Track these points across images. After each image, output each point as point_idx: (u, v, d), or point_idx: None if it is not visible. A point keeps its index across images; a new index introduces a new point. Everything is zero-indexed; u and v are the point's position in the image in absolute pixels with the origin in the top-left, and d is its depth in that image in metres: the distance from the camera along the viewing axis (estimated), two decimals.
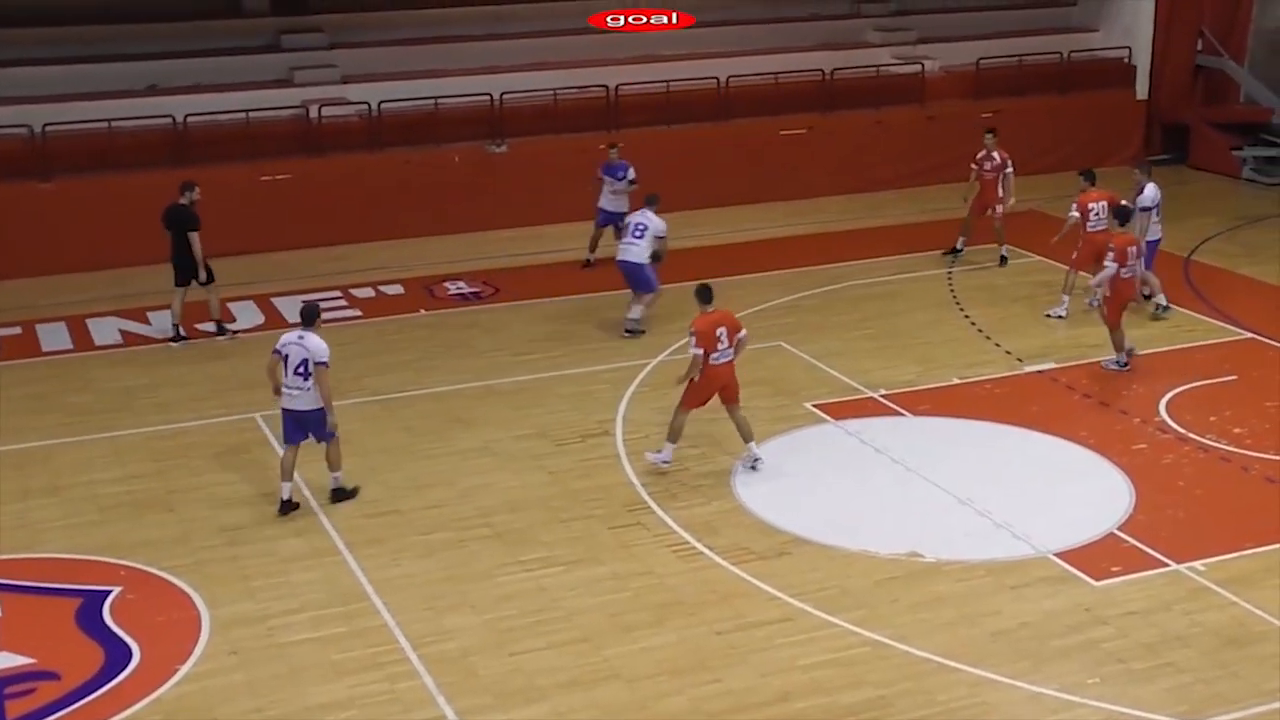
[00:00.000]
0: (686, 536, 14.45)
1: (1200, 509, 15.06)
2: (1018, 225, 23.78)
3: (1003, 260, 23.20)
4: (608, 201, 23.11)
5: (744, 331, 15.73)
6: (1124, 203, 19.86)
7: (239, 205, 23.51)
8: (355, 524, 14.74)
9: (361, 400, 17.74)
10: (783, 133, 27.43)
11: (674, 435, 15.69)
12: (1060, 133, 29.28)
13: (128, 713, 11.56)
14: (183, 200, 20.14)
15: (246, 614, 13.05)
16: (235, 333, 20.50)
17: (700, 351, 15.26)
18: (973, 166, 23.04)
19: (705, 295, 15.65)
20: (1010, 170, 22.84)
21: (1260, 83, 30.32)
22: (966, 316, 20.96)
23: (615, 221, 22.42)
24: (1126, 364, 18.47)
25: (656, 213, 20.06)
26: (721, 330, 15.36)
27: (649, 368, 19.00)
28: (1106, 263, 18.19)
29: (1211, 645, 12.44)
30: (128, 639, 12.61)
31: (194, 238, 19.93)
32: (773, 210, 26.29)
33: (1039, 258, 23.65)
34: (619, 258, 20.22)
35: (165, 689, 11.90)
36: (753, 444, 15.78)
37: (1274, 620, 12.79)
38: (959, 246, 23.50)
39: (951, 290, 22.18)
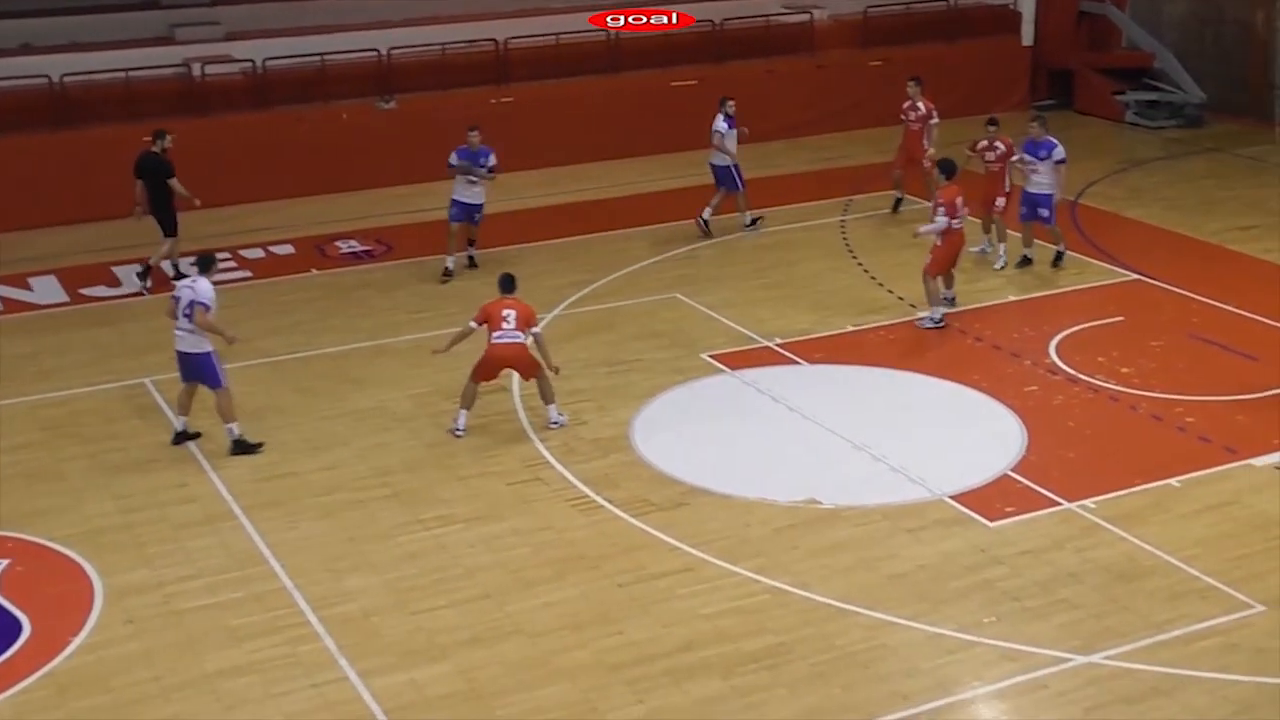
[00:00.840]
0: (586, 490, 14.48)
1: (1090, 448, 15.34)
2: (911, 172, 23.92)
3: (896, 204, 23.32)
4: (463, 193, 20.69)
5: (538, 329, 15.70)
6: (947, 157, 19.66)
7: (121, 167, 23.04)
8: (251, 488, 14.61)
9: (254, 362, 17.55)
10: (673, 84, 27.39)
11: (466, 401, 15.72)
12: (948, 80, 29.41)
13: (19, 686, 11.41)
14: (154, 148, 20.23)
15: (141, 582, 12.90)
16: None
17: (475, 325, 15.55)
18: (902, 118, 22.93)
19: (507, 285, 15.74)
20: (935, 120, 22.70)
21: (1142, 28, 30.73)
22: (860, 264, 21.12)
23: (471, 216, 20.80)
24: (942, 320, 18.48)
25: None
26: (509, 313, 15.42)
27: (543, 322, 18.93)
28: (937, 217, 18.31)
29: (1102, 581, 12.70)
30: (17, 612, 12.42)
31: (174, 183, 20.18)
32: (666, 162, 26.26)
33: (929, 203, 23.82)
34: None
35: (58, 661, 11.75)
36: (553, 406, 15.82)
37: (1162, 554, 13.07)
38: (900, 196, 23.27)
39: (845, 238, 22.32)
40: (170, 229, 20.55)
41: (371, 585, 12.82)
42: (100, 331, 19.00)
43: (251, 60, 25.19)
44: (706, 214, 22.43)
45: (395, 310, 19.62)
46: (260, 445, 15.29)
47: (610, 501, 14.25)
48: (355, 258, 21.96)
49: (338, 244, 22.41)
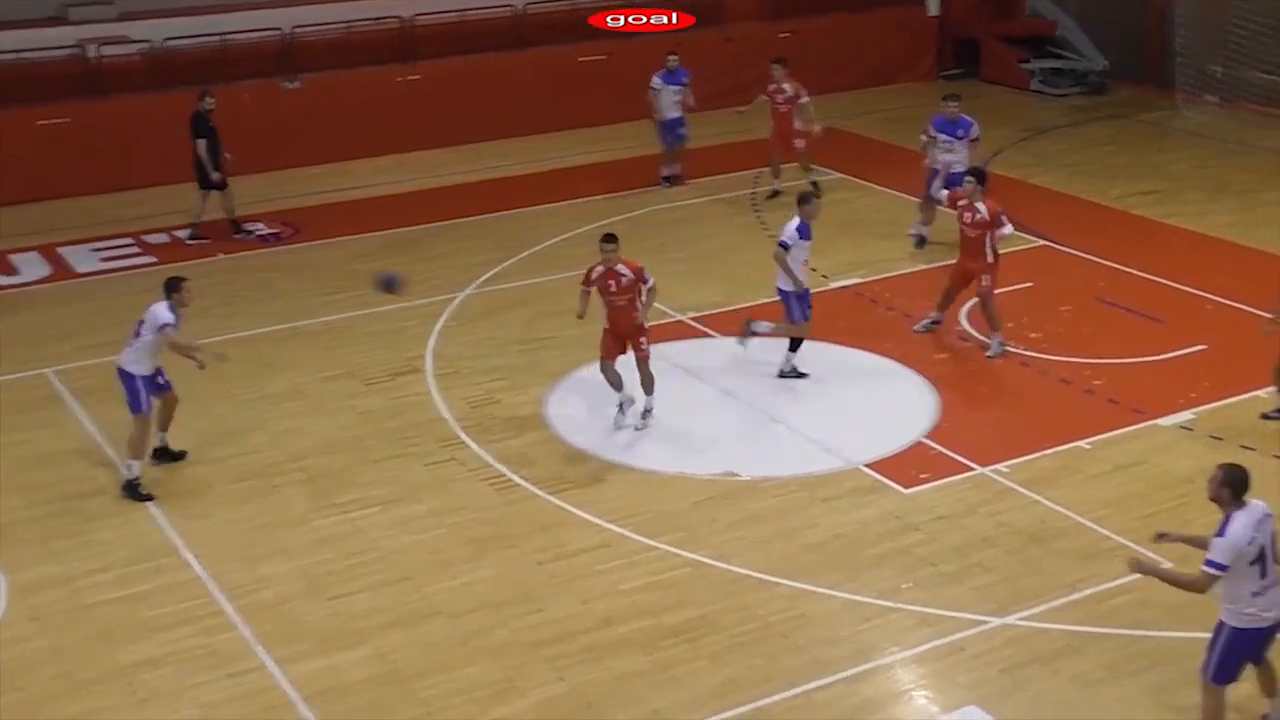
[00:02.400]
0: (502, 469, 14.48)
1: (1001, 413, 15.56)
2: (821, 143, 24.05)
3: (814, 186, 22.68)
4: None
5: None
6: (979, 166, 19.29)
7: (16, 151, 22.76)
8: (162, 476, 14.47)
9: None
10: (581, 59, 27.35)
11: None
12: (855, 50, 29.70)
13: None
14: (199, 106, 21.18)
15: (48, 577, 12.75)
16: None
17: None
18: (763, 97, 22.78)
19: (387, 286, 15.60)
20: (805, 100, 22.51)
21: None
22: (771, 236, 21.13)
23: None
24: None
25: None
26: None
27: (457, 301, 18.91)
28: (1006, 226, 16.89)
29: (1016, 544, 12.90)
30: None
31: (199, 144, 21.04)
32: (575, 138, 26.28)
33: (840, 175, 24.03)
34: None
35: None
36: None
37: (1073, 515, 13.30)
38: (777, 189, 23.02)
39: (755, 210, 22.42)
40: (215, 185, 21.50)
41: (287, 572, 12.76)
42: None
43: (149, 40, 24.85)
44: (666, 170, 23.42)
45: (306, 293, 19.50)
46: (184, 453, 14.92)
47: (527, 479, 14.26)
48: (263, 240, 21.76)
49: (245, 226, 22.15)
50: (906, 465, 14.37)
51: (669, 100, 23.02)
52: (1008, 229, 16.64)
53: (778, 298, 16.37)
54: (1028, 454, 14.46)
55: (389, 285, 15.28)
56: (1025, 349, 16.95)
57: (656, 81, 22.94)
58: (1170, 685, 10.84)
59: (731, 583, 12.44)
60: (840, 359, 16.93)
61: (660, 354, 16.88)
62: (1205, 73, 27.84)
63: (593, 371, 16.56)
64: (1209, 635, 9.97)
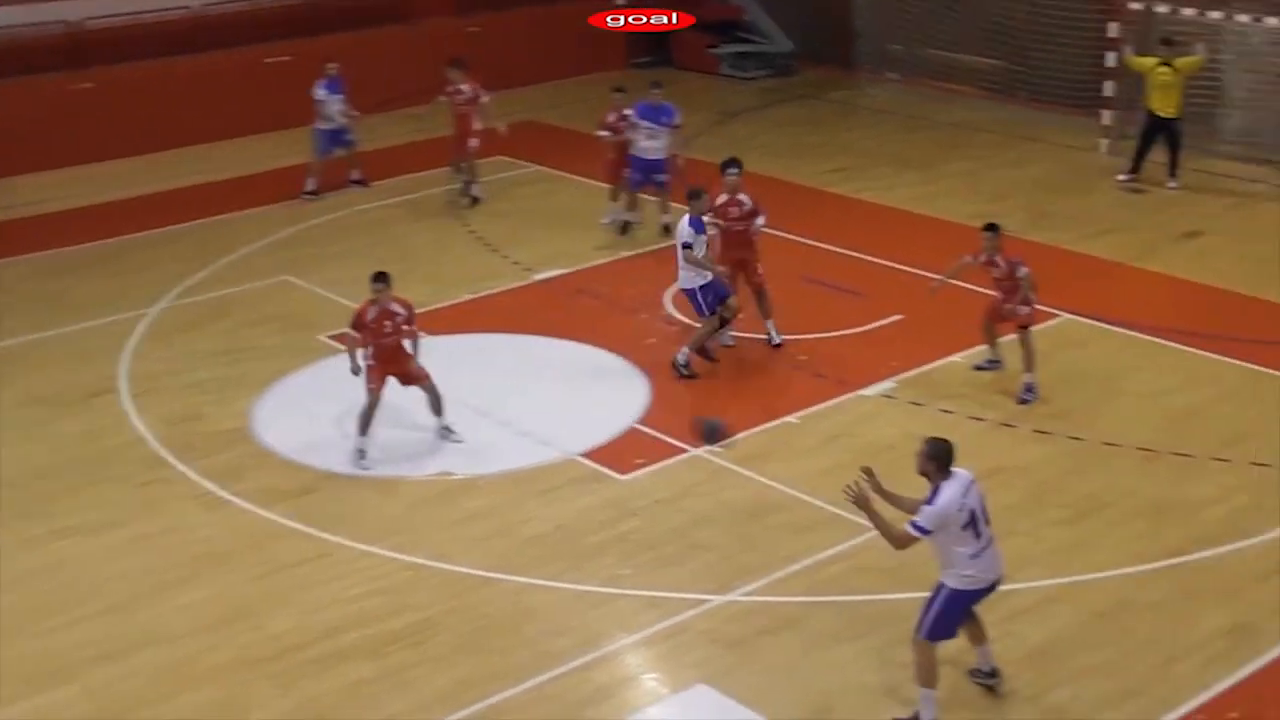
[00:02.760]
0: (211, 486, 14.13)
1: (712, 394, 15.86)
2: (517, 137, 24.14)
3: (474, 201, 22.45)
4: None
5: None
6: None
7: None
8: None
9: None
10: (267, 61, 26.82)
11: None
12: (546, 42, 29.84)
13: None
14: None
15: None
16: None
17: None
18: (442, 98, 22.32)
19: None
20: (485, 99, 22.13)
21: None
22: (472, 231, 21.22)
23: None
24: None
25: None
26: None
27: (150, 316, 18.36)
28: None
29: (734, 521, 13.18)
30: None
31: None
32: (264, 141, 25.77)
33: (538, 167, 24.16)
34: None
35: None
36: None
37: (787, 489, 13.66)
38: (476, 195, 22.62)
39: (453, 206, 22.35)
40: None
41: None
42: None
43: None
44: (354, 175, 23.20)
45: None
46: None
47: (238, 495, 13.95)
48: None
49: None
50: (622, 452, 14.53)
51: (334, 108, 22.59)
52: (762, 219, 16.85)
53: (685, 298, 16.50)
54: (739, 432, 14.76)
55: (713, 434, 13.97)
56: (732, 329, 17.28)
57: (320, 91, 22.45)
58: (889, 646, 11.21)
59: (455, 582, 12.40)
60: (549, 351, 17.03)
61: (369, 357, 16.72)
62: (885, 52, 28.89)
63: (299, 380, 16.37)
64: (916, 595, 10.38)
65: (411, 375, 14.62)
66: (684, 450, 14.45)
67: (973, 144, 24.95)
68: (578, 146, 23.30)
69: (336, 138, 22.83)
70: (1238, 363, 15.98)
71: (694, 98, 28.09)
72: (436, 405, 14.88)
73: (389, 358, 14.47)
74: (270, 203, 22.68)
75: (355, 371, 14.41)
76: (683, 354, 16.15)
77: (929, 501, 9.97)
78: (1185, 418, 14.84)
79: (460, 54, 22.66)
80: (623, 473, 14.12)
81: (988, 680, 10.63)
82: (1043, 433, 14.57)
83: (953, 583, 10.11)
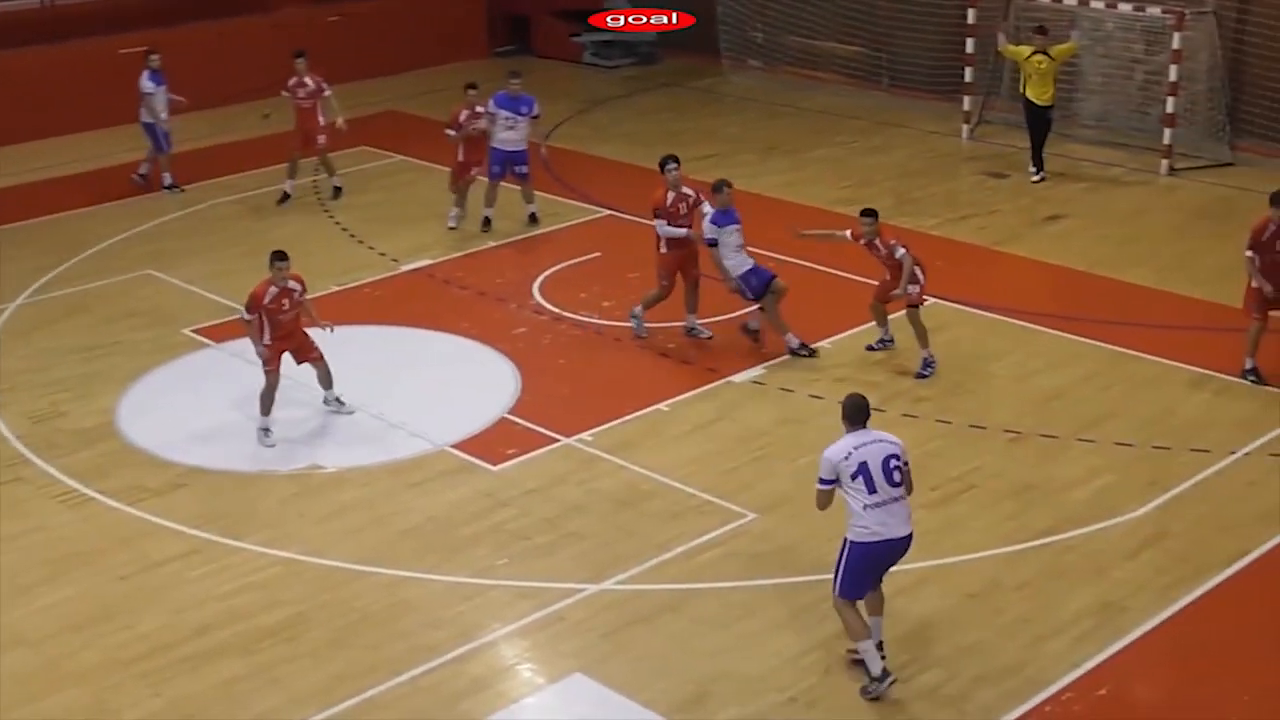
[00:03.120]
0: (74, 485, 13.90)
1: (582, 383, 15.90)
2: (379, 127, 23.98)
3: (336, 191, 22.23)
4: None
5: None
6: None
7: None
8: None
9: None
10: (122, 52, 26.32)
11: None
12: (407, 32, 29.68)
13: None
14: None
15: None
16: None
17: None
18: (284, 94, 21.96)
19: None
20: (328, 92, 21.83)
21: None
22: (337, 223, 21.05)
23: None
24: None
25: None
26: None
27: (7, 313, 17.99)
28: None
29: (606, 509, 13.25)
30: None
31: None
32: (122, 134, 25.31)
33: (401, 157, 24.04)
34: None
35: None
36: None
37: (659, 477, 13.74)
38: (289, 191, 22.06)
39: (318, 197, 22.16)
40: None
41: None
42: None
43: None
44: (143, 169, 22.55)
45: None
46: None
47: (103, 493, 13.74)
48: None
49: None
50: (493, 442, 14.54)
51: (160, 101, 22.04)
52: (705, 206, 16.51)
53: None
54: (610, 421, 14.85)
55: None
56: (600, 318, 17.38)
57: (147, 84, 21.87)
58: (764, 631, 11.36)
59: (326, 576, 12.33)
60: (417, 342, 16.98)
61: (234, 351, 16.59)
62: (748, 39, 29.11)
63: (164, 375, 16.16)
64: (790, 580, 10.55)
65: (306, 350, 14.85)
66: (556, 439, 14.49)
67: (838, 130, 25.25)
68: (440, 136, 23.09)
69: (157, 135, 22.33)
70: (1100, 344, 16.36)
71: (557, 86, 28.17)
72: (327, 379, 15.05)
73: (287, 335, 14.65)
74: (128, 196, 22.30)
75: (261, 355, 14.57)
76: (791, 341, 16.23)
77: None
78: (1050, 399, 15.17)
79: (305, 46, 22.34)
80: (494, 463, 14.12)
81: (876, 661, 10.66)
82: (910, 416, 14.80)
83: (850, 535, 10.47)
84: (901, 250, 15.38)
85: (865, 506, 10.31)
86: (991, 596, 11.82)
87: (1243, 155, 22.75)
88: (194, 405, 15.53)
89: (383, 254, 19.65)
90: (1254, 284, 15.22)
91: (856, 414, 10.53)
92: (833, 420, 14.33)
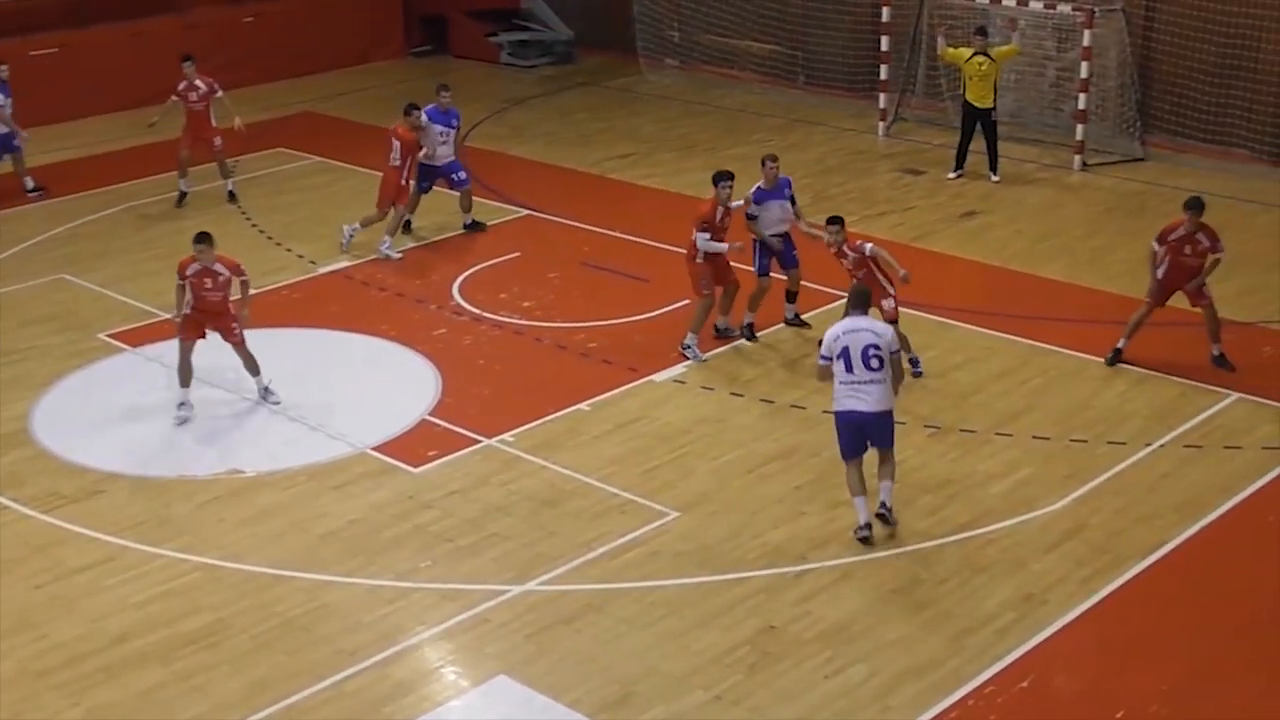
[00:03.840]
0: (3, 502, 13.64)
1: (502, 383, 15.80)
2: (296, 127, 23.69)
3: (231, 196, 21.78)
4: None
5: None
6: None
7: None
8: None
9: None
10: (33, 54, 25.91)
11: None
12: (323, 32, 29.42)
13: None
14: None
15: None
16: None
17: None
18: (174, 98, 21.34)
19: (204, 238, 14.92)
20: (220, 94, 21.43)
21: None
22: (254, 225, 20.80)
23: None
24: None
25: None
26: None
27: None
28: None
29: (529, 510, 13.16)
30: None
31: None
32: (37, 135, 24.88)
33: (318, 158, 23.81)
34: None
35: None
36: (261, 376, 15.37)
37: (581, 477, 13.67)
38: (185, 190, 21.60)
39: (234, 200, 21.88)
40: None
41: None
42: None
43: None
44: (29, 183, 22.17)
45: None
46: None
47: (16, 500, 13.48)
48: None
49: None
50: (414, 444, 14.41)
51: (6, 112, 21.48)
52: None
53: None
54: (532, 421, 14.76)
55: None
56: (520, 318, 17.28)
57: None
58: (687, 630, 11.32)
59: (246, 582, 12.16)
60: (336, 344, 16.82)
61: (151, 355, 16.37)
62: (664, 38, 29.09)
63: (79, 380, 15.91)
64: (713, 578, 10.51)
65: (230, 334, 15.03)
66: (477, 440, 14.38)
67: (755, 128, 25.26)
68: (357, 137, 23.02)
69: (5, 143, 21.85)
70: (1016, 338, 16.47)
71: (474, 86, 28.02)
72: (252, 366, 15.21)
73: (210, 312, 14.93)
74: (37, 201, 21.94)
75: (174, 320, 15.06)
76: (720, 322, 16.55)
77: None
78: (968, 394, 15.24)
79: (219, 46, 22.02)
80: (416, 465, 14.00)
81: (883, 512, 12.53)
82: (831, 413, 14.78)
83: (833, 406, 12.37)
84: (869, 245, 15.38)
85: (841, 383, 12.18)
86: (913, 591, 11.85)
87: (1153, 150, 23.01)
88: (110, 410, 15.28)
89: (300, 255, 19.44)
90: (1156, 275, 15.48)
91: (856, 301, 12.42)
92: (752, 419, 14.43)
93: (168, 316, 16.81)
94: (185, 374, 14.95)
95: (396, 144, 19.13)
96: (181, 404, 14.95)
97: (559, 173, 23.04)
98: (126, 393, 15.71)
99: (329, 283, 18.61)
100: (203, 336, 15.00)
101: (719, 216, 16.15)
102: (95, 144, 23.56)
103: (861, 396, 12.14)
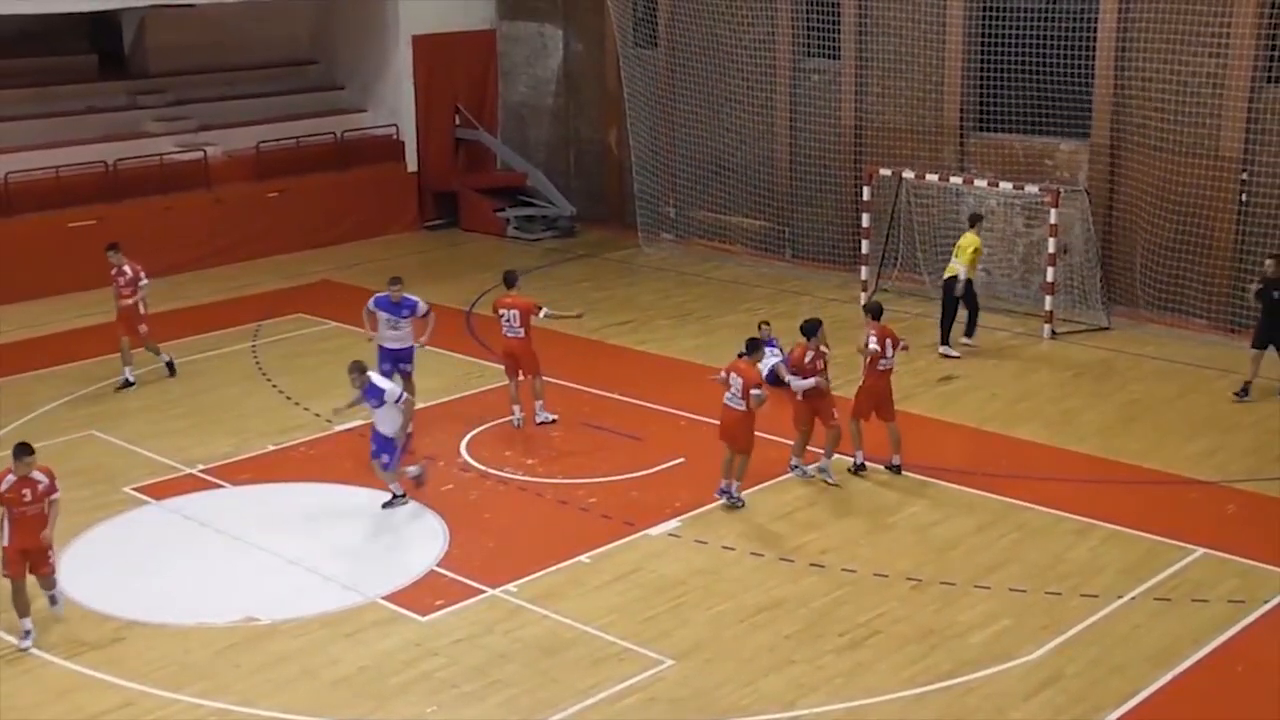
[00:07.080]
0: (9, 639, 13.41)
1: (506, 536, 15.68)
2: (314, 295, 23.69)
3: (170, 368, 21.19)
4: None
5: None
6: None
7: None
8: None
9: None
10: (71, 225, 26.14)
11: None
12: (342, 206, 29.73)
13: None
14: None
15: None
16: None
17: None
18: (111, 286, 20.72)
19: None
20: (145, 281, 20.53)
21: (513, 151, 32.15)
22: (274, 386, 20.80)
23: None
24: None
25: None
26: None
27: None
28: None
29: (531, 657, 12.97)
30: None
31: None
32: (68, 302, 25.03)
33: (335, 323, 23.88)
34: None
35: None
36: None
37: (581, 626, 13.50)
38: (130, 379, 20.74)
39: (257, 362, 21.92)
40: None
41: None
42: None
43: None
44: None
45: None
46: None
47: (41, 648, 13.27)
48: None
49: None
50: (422, 594, 14.25)
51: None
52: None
53: None
54: (534, 572, 14.62)
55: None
56: (523, 474, 17.21)
57: None
58: None
59: None
60: (352, 498, 16.71)
61: (172, 508, 16.27)
62: (660, 214, 29.40)
63: (105, 530, 15.79)
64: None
65: (38, 556, 13.35)
66: (482, 590, 14.23)
67: (746, 298, 25.38)
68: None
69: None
70: (992, 495, 16.39)
71: (482, 257, 28.23)
72: (52, 594, 13.70)
73: (26, 530, 13.23)
74: (68, 361, 21.94)
75: None
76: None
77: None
78: (948, 548, 15.12)
79: (246, 219, 21.80)
80: (423, 614, 13.83)
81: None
82: (818, 565, 14.70)
83: None
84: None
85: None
86: None
87: (1117, 320, 23.14)
88: (135, 561, 15.15)
89: (317, 414, 19.41)
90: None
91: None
92: (744, 570, 14.29)
93: (189, 470, 16.78)
94: (24, 607, 13.22)
95: (515, 312, 18.77)
96: (27, 633, 13.31)
97: (561, 338, 23.06)
98: (150, 543, 15.58)
99: (344, 440, 18.54)
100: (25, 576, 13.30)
101: (809, 359, 16.72)
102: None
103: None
